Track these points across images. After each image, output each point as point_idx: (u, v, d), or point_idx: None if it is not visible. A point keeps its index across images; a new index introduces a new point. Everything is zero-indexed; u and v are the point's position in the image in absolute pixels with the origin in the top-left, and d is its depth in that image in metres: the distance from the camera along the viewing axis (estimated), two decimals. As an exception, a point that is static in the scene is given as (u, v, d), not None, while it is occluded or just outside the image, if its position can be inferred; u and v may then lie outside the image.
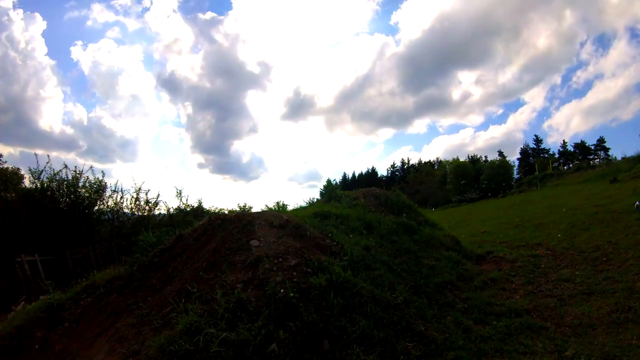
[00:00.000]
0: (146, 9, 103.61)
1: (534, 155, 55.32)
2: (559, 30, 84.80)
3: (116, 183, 12.99)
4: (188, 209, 13.00)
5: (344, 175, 70.57)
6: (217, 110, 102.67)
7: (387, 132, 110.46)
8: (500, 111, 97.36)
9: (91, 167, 12.40)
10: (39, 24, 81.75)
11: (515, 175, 47.66)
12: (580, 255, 6.83)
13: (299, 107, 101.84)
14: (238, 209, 11.21)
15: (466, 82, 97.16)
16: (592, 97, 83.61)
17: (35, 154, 11.77)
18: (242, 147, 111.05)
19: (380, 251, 5.82)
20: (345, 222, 6.72)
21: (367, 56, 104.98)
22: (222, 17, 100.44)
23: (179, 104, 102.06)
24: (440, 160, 61.72)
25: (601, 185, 18.57)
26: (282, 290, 3.57)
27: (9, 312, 6.79)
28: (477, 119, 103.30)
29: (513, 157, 56.75)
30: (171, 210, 13.04)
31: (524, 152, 57.13)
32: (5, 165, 16.41)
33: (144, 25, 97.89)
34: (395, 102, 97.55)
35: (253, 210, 9.91)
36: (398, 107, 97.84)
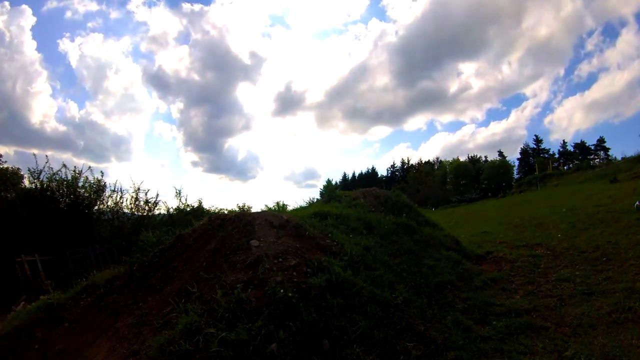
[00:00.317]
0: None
1: (534, 155, 55.33)
2: (562, 17, 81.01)
3: (115, 183, 13.02)
4: (188, 209, 13.02)
5: (344, 175, 70.63)
6: (209, 106, 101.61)
7: (384, 130, 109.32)
8: (501, 107, 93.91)
9: (89, 167, 12.43)
10: (28, 17, 79.46)
11: (515, 175, 47.76)
12: (580, 255, 6.83)
13: (289, 104, 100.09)
14: (238, 209, 11.22)
15: (464, 75, 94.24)
16: (596, 91, 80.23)
17: (34, 154, 11.80)
18: (236, 145, 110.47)
19: (380, 251, 5.82)
20: (345, 222, 6.72)
21: (359, 48, 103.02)
22: (207, 8, 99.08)
23: (169, 99, 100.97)
24: (441, 160, 61.77)
25: (601, 185, 18.59)
26: (282, 290, 3.57)
27: (9, 312, 6.79)
28: (476, 115, 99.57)
29: (514, 154, 56.53)
30: (171, 210, 13.08)
31: (524, 152, 57.16)
32: (5, 165, 16.41)
33: (129, 16, 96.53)
34: (389, 98, 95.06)
35: (253, 210, 9.93)
36: (391, 103, 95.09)
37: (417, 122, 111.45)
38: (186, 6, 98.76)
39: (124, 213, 12.74)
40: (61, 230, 11.01)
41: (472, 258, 7.57)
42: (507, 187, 38.88)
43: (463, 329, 4.32)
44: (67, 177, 11.77)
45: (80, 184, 11.92)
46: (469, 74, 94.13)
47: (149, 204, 12.82)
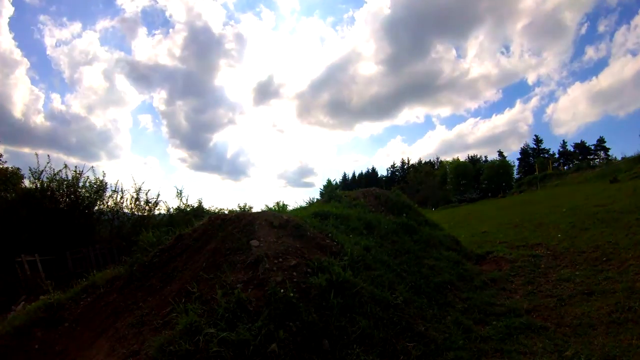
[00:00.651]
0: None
1: (534, 155, 55.35)
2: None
3: (116, 183, 13.03)
4: (188, 209, 13.03)
5: (344, 175, 70.94)
6: (193, 97, 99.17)
7: (378, 126, 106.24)
8: (500, 96, 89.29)
9: (92, 167, 12.45)
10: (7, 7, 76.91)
11: (515, 175, 47.73)
12: (580, 255, 6.82)
13: (269, 94, 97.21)
14: (238, 209, 11.21)
15: (455, 59, 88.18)
16: (604, 80, 74.84)
17: (37, 154, 11.81)
18: (223, 140, 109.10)
19: (380, 251, 5.82)
20: (345, 222, 6.72)
21: (344, 31, 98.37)
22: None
23: (152, 90, 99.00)
24: (441, 160, 61.83)
25: (601, 186, 18.58)
26: (282, 290, 3.57)
27: (9, 312, 6.80)
28: (473, 105, 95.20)
29: (516, 147, 55.45)
30: (171, 210, 13.10)
31: (524, 152, 57.20)
32: (5, 165, 16.41)
33: (109, 2, 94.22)
34: (377, 88, 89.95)
35: (253, 210, 9.92)
36: (381, 93, 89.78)
37: (412, 115, 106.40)
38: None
39: (124, 213, 12.76)
40: (61, 230, 11.02)
41: (472, 258, 7.57)
42: (507, 187, 38.87)
43: (463, 329, 4.32)
44: (67, 177, 11.79)
45: (80, 184, 11.94)
46: (459, 57, 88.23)
47: (149, 204, 12.84)
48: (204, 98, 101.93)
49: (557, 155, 53.63)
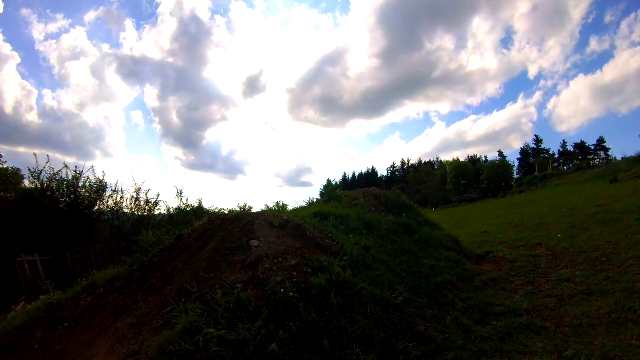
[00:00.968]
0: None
1: (534, 155, 55.38)
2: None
3: (116, 183, 13.02)
4: (188, 209, 13.02)
5: (344, 176, 70.96)
6: (184, 92, 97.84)
7: (375, 123, 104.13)
8: (501, 91, 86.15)
9: (92, 166, 12.44)
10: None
11: (515, 176, 47.79)
12: (580, 255, 6.82)
13: (261, 90, 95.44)
14: (238, 209, 11.21)
15: (453, 51, 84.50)
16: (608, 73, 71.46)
17: (35, 154, 11.79)
18: (216, 138, 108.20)
19: (380, 251, 5.82)
20: (345, 222, 6.72)
21: (337, 24, 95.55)
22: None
23: (143, 85, 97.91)
24: (441, 160, 61.89)
25: (601, 186, 18.58)
26: (282, 290, 3.57)
27: (9, 312, 6.79)
28: (473, 101, 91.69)
29: (517, 145, 54.93)
30: (171, 210, 13.08)
31: (524, 152, 57.25)
32: (5, 165, 16.42)
33: None
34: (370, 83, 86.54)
35: (253, 210, 9.91)
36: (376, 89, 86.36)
37: (410, 111, 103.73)
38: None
39: (124, 213, 12.74)
40: (61, 230, 11.01)
41: (472, 258, 7.57)
42: (507, 187, 38.87)
43: (463, 329, 4.32)
44: (67, 177, 11.79)
45: (80, 184, 11.94)
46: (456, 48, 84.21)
47: (150, 204, 12.83)
48: (194, 92, 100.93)
49: (557, 155, 53.70)
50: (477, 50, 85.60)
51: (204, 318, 3.37)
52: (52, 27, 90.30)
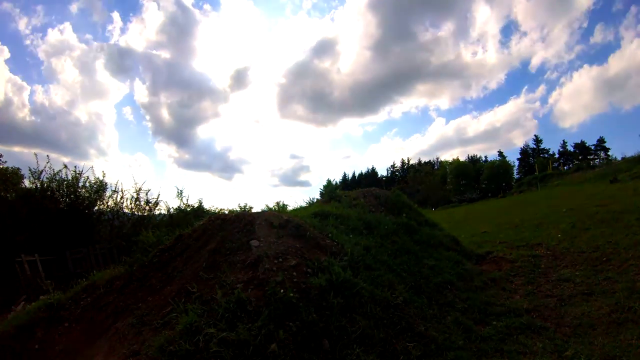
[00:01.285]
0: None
1: (534, 155, 55.39)
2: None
3: (116, 183, 13.02)
4: (188, 209, 13.02)
5: (344, 175, 70.99)
6: (174, 86, 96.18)
7: (372, 119, 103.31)
8: (502, 84, 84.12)
9: (92, 167, 12.44)
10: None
11: (515, 176, 47.80)
12: (580, 255, 6.82)
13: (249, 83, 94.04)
14: (238, 209, 11.21)
15: (452, 42, 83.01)
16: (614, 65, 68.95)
17: (35, 154, 11.79)
18: (209, 136, 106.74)
19: (380, 251, 5.82)
20: (345, 222, 6.71)
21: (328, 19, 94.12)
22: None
23: (132, 79, 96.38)
24: (440, 160, 61.92)
25: (601, 186, 18.59)
26: (282, 290, 3.57)
27: (9, 312, 6.79)
28: (473, 95, 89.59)
29: (518, 142, 54.20)
30: (171, 210, 13.08)
31: (524, 152, 57.27)
32: (5, 165, 16.42)
33: None
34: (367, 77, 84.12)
35: (253, 210, 9.92)
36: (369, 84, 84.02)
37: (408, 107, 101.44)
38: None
39: (124, 213, 12.74)
40: (61, 230, 11.00)
41: (472, 258, 7.56)
42: (507, 187, 38.91)
43: (463, 329, 4.32)
44: (67, 177, 11.79)
45: (80, 184, 11.94)
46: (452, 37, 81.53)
47: (150, 204, 12.83)
48: (184, 86, 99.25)
49: (557, 155, 53.71)
50: (477, 42, 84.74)
51: (204, 318, 3.37)
52: (35, 21, 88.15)
